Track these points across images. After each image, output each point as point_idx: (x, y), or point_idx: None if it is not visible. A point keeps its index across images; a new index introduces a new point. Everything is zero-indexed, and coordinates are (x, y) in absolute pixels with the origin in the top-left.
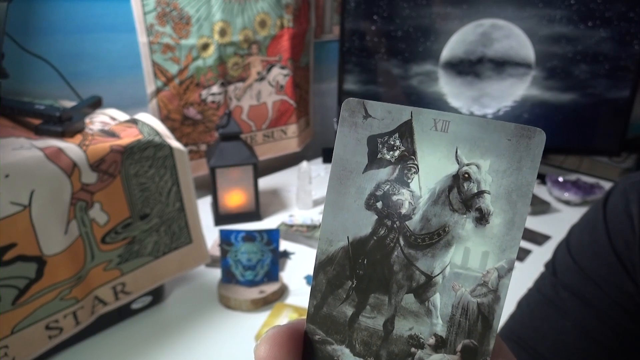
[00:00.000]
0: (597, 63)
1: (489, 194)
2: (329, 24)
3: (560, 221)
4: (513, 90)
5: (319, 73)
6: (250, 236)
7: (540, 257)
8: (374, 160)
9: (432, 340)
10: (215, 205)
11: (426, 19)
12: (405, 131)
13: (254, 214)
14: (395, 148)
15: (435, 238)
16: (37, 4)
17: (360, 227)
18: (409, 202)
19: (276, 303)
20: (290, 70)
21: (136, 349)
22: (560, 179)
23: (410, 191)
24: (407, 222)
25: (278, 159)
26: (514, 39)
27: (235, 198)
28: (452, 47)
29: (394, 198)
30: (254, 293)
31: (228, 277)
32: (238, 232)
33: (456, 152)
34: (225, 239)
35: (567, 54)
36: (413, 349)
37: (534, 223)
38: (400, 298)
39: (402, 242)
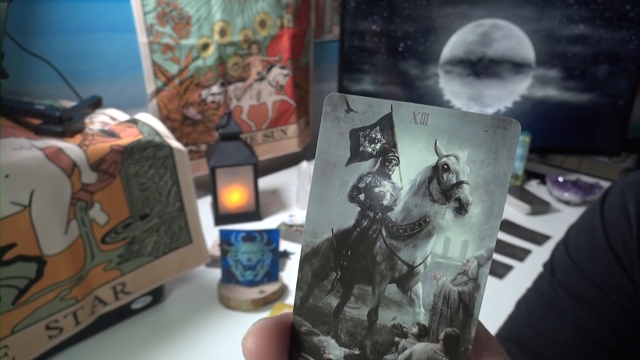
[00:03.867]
0: (597, 63)
1: (468, 184)
2: (329, 24)
3: (560, 221)
4: (513, 90)
5: (319, 73)
6: (250, 236)
7: (540, 257)
8: (356, 153)
9: (415, 329)
10: (215, 205)
11: (426, 19)
12: (386, 124)
13: (254, 214)
14: (376, 141)
15: (416, 228)
16: (37, 4)
17: (344, 219)
18: (391, 194)
19: (276, 303)
20: (290, 70)
21: (136, 349)
22: (560, 179)
23: (392, 183)
24: (389, 213)
25: (278, 159)
26: (514, 39)
27: (235, 198)
28: (452, 47)
29: (376, 190)
30: (254, 293)
31: (228, 277)
32: (238, 232)
33: (435, 143)
34: (225, 239)
35: (567, 54)
36: (397, 338)
37: (534, 223)
38: (384, 288)
39: (384, 233)
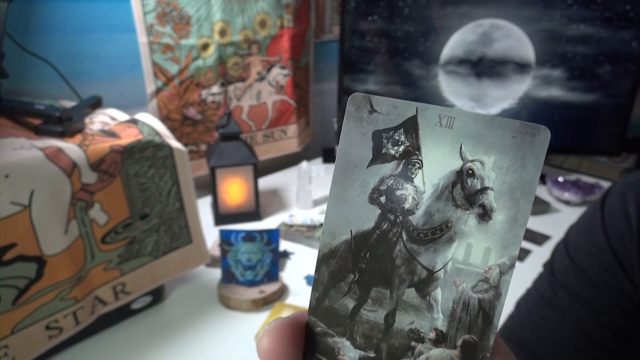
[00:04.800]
0: (597, 63)
1: (493, 190)
2: (329, 24)
3: (560, 221)
4: (513, 90)
5: (319, 73)
6: (250, 236)
7: (540, 257)
8: (378, 155)
9: (432, 335)
10: (215, 205)
11: (426, 19)
12: (410, 126)
13: (254, 214)
14: (400, 143)
15: (437, 233)
16: (37, 4)
17: (364, 221)
18: (413, 197)
19: (276, 303)
20: (290, 70)
21: (136, 349)
22: (560, 179)
23: (414, 186)
24: (410, 217)
25: (278, 159)
26: (513, 39)
27: (235, 198)
28: (452, 47)
29: (398, 193)
30: (254, 293)
31: (228, 277)
32: (238, 232)
33: (460, 148)
34: (225, 239)
35: (567, 54)
36: (413, 343)
37: (534, 223)
38: (402, 292)
39: (404, 237)
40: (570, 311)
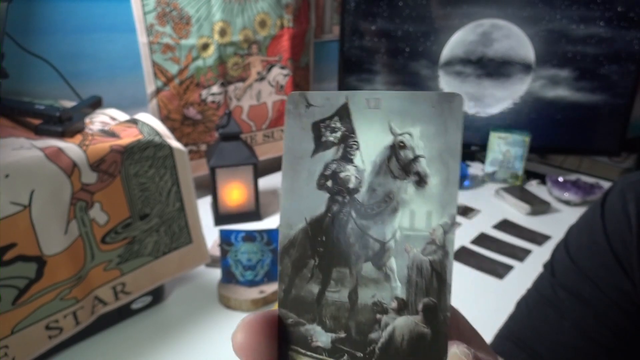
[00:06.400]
0: (597, 63)
1: (424, 157)
2: (329, 24)
3: (560, 221)
4: (513, 90)
5: (319, 73)
6: (250, 236)
7: (540, 257)
8: (319, 144)
9: (394, 304)
10: (215, 205)
11: (426, 19)
12: (344, 113)
13: (254, 214)
14: (336, 130)
15: (382, 206)
16: (37, 4)
17: (315, 207)
18: (355, 177)
19: (276, 303)
20: (290, 70)
21: (136, 349)
22: (560, 179)
23: (355, 166)
24: (356, 196)
25: (278, 159)
26: (513, 39)
27: (235, 198)
28: (452, 47)
29: (342, 175)
30: (254, 293)
31: (228, 277)
32: (238, 232)
33: (389, 124)
34: (225, 239)
35: (567, 54)
36: (378, 315)
37: (534, 223)
38: (360, 267)
39: (354, 215)
40: (570, 311)
